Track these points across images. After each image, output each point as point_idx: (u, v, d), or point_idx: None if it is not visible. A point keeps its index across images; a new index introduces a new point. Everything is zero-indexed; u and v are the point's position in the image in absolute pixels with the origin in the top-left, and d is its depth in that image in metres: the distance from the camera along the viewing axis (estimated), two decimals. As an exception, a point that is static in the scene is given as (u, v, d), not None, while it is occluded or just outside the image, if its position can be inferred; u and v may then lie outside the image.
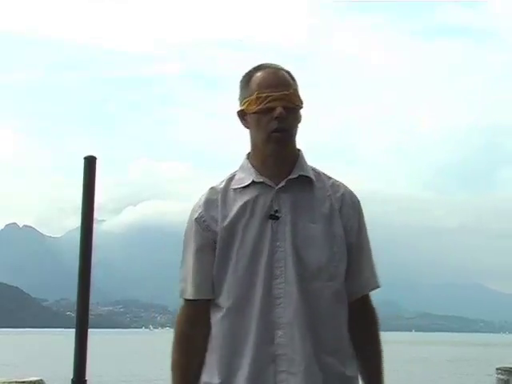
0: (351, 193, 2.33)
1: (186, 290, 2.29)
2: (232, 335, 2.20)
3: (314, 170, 2.32)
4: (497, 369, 5.39)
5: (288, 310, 2.16)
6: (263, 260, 2.19)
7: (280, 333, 2.16)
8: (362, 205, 2.35)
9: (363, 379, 2.33)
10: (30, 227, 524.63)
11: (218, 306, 2.25)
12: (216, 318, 2.25)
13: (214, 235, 2.24)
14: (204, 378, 2.27)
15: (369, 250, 2.34)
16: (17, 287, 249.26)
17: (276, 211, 2.21)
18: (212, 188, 2.31)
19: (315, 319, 2.18)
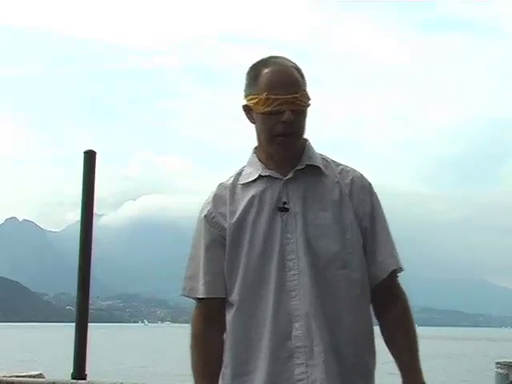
0: (361, 177, 2.27)
1: (196, 288, 2.24)
2: (247, 331, 2.16)
3: (322, 157, 2.28)
4: (496, 363, 5.36)
5: (303, 301, 2.12)
6: (275, 253, 2.15)
7: (297, 325, 2.11)
8: (374, 188, 2.29)
9: (400, 371, 2.21)
10: (30, 221, 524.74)
11: (231, 303, 2.20)
12: (230, 314, 2.20)
13: (223, 231, 2.20)
14: (223, 375, 2.22)
15: (384, 232, 2.25)
16: (17, 281, 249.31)
17: (285, 203, 2.17)
18: (220, 184, 2.27)
19: (331, 309, 2.14)
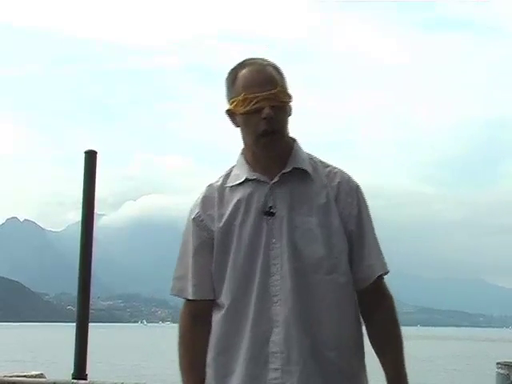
0: (349, 179, 2.25)
1: (185, 289, 2.26)
2: (228, 334, 2.17)
3: (310, 158, 2.26)
4: (497, 363, 5.36)
5: (285, 307, 2.12)
6: (259, 258, 2.15)
7: (276, 331, 2.11)
8: (362, 190, 2.27)
9: (383, 370, 2.23)
10: (31, 221, 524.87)
11: (217, 305, 2.22)
12: (215, 316, 2.22)
13: (211, 234, 2.21)
14: (207, 374, 2.24)
15: (371, 235, 2.23)
16: (17, 281, 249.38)
17: (271, 207, 2.17)
18: (209, 186, 2.28)
19: (315, 315, 2.13)
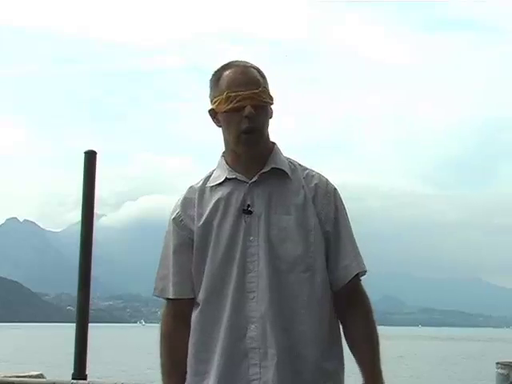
0: (326, 182, 2.31)
1: (166, 289, 2.30)
2: (205, 330, 2.22)
3: (290, 161, 2.32)
4: (497, 363, 5.36)
5: (261, 303, 2.16)
6: (237, 255, 2.19)
7: (252, 326, 2.16)
8: (339, 193, 2.33)
9: (359, 369, 2.26)
10: (31, 222, 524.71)
11: (197, 303, 2.26)
12: (194, 314, 2.26)
13: (191, 234, 2.26)
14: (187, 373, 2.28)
15: (348, 236, 2.29)
16: (17, 281, 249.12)
17: (249, 206, 2.22)
18: (190, 187, 2.33)
19: (290, 312, 2.17)
